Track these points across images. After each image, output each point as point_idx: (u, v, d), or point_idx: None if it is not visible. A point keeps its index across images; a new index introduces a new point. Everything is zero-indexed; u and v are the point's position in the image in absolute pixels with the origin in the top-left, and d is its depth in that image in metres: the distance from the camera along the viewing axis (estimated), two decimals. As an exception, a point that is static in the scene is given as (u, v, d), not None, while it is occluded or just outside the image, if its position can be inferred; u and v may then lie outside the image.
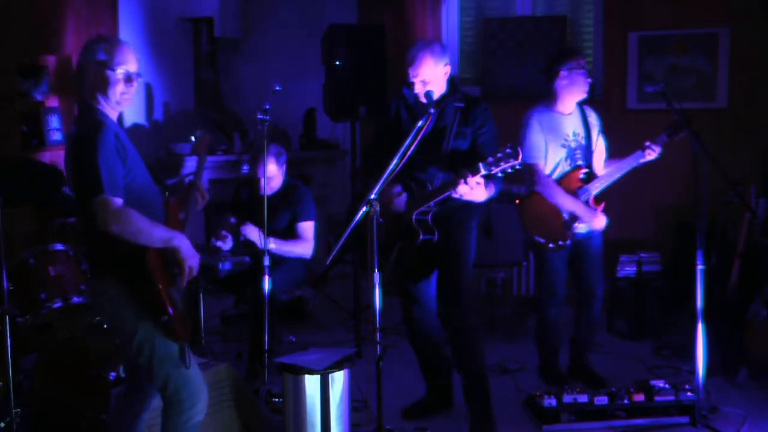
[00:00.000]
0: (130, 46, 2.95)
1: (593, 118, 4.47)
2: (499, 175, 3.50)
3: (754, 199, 4.72)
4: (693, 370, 3.92)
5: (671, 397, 3.96)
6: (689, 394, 3.95)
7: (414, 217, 3.74)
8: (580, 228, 4.36)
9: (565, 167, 4.37)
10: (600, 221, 4.32)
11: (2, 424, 3.62)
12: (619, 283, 5.51)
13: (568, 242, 4.35)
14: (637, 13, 5.80)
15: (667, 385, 4.03)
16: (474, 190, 3.55)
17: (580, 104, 4.44)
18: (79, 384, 3.74)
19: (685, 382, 4.17)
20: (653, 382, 4.05)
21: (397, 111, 3.97)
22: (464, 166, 3.52)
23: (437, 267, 3.96)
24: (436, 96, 3.74)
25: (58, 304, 4.11)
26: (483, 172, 3.47)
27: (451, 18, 6.36)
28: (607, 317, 5.58)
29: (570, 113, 4.40)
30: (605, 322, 5.56)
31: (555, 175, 4.37)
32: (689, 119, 4.12)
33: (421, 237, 3.73)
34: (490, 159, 3.47)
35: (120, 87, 2.91)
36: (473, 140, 3.80)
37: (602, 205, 4.36)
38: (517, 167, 3.46)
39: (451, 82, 3.88)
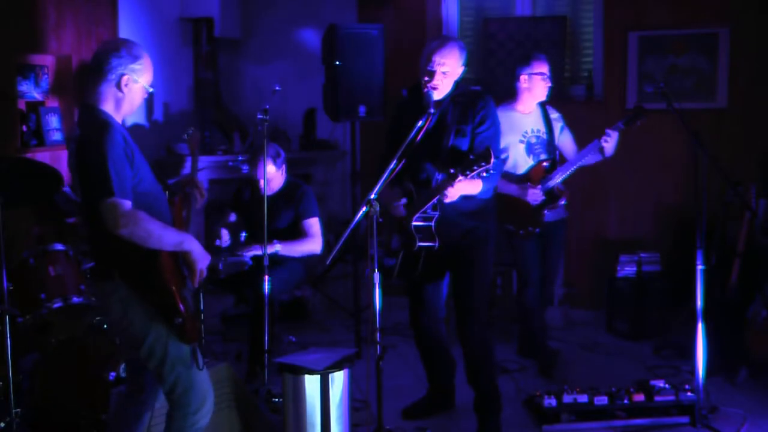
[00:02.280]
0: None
1: (555, 116, 4.71)
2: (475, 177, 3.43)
3: (754, 199, 4.74)
4: (693, 370, 3.93)
5: (671, 397, 3.96)
6: (689, 394, 3.95)
7: (413, 223, 3.64)
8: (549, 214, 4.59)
9: (528, 161, 4.59)
10: (534, 195, 4.48)
11: (2, 424, 3.62)
12: (619, 283, 5.51)
13: (537, 229, 4.56)
14: (637, 13, 5.79)
15: (667, 385, 4.03)
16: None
17: (542, 104, 4.66)
18: (79, 384, 3.74)
19: (685, 382, 4.17)
20: (653, 382, 4.05)
21: (399, 116, 3.87)
22: (454, 167, 3.43)
23: (450, 276, 3.91)
24: (441, 96, 3.70)
25: (58, 304, 4.10)
26: (460, 177, 3.39)
27: (451, 18, 6.35)
28: (607, 317, 5.58)
29: (530, 112, 4.64)
30: (605, 322, 5.56)
31: (520, 168, 4.59)
32: (644, 109, 4.40)
33: (417, 244, 3.63)
34: (465, 162, 3.39)
35: (139, 100, 2.91)
36: (472, 138, 3.68)
37: (566, 192, 4.58)
38: (491, 170, 3.39)
39: (456, 84, 3.79)
